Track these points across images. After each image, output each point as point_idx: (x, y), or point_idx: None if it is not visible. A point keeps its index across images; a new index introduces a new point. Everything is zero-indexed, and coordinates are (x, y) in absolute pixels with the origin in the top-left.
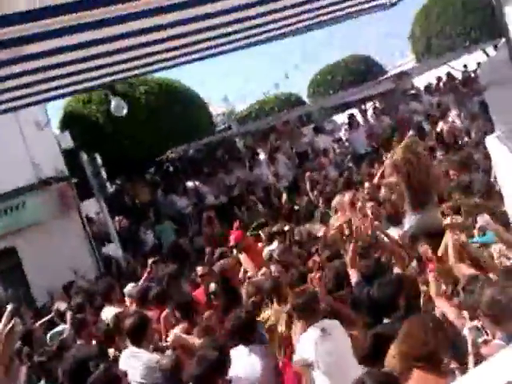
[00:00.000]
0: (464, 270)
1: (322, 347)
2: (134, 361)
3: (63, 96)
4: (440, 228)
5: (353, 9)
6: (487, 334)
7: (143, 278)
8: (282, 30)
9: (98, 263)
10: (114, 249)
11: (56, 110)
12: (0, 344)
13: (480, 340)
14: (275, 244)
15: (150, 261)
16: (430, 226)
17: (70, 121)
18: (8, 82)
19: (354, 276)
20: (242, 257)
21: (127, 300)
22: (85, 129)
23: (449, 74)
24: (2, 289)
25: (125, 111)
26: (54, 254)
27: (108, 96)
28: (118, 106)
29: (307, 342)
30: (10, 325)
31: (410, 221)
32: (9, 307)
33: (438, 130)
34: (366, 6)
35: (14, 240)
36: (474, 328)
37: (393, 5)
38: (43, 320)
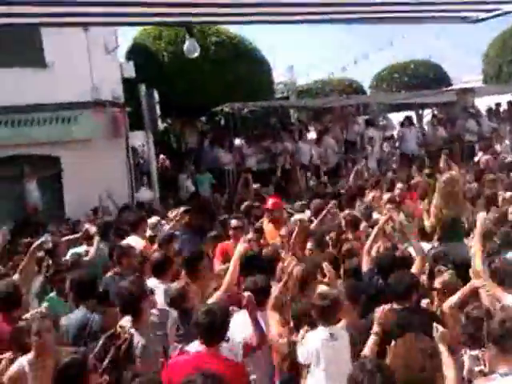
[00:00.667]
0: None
1: (325, 350)
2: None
3: (140, 24)
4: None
5: (441, 14)
6: (485, 366)
7: (171, 224)
8: (366, 15)
9: (132, 194)
10: (146, 194)
11: (126, 39)
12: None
13: (477, 369)
14: (307, 213)
15: (181, 209)
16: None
17: (136, 52)
18: None
19: (366, 264)
20: (269, 228)
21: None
22: (149, 63)
23: (510, 103)
24: (39, 194)
25: (196, 54)
26: (93, 174)
27: (178, 37)
28: (191, 48)
29: (313, 341)
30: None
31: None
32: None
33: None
34: (454, 14)
35: (60, 150)
36: (473, 357)
37: (478, 21)
38: (69, 237)
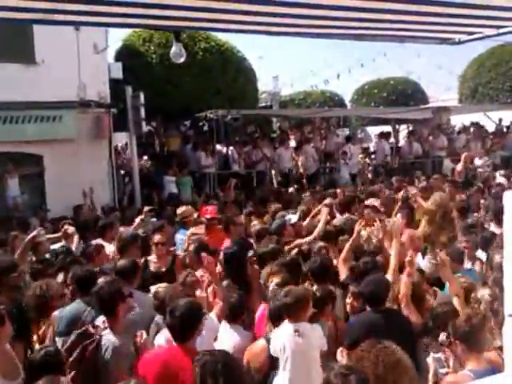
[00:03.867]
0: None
1: (290, 345)
2: None
3: (129, 26)
4: None
5: (423, 34)
6: (449, 367)
7: (135, 224)
8: (350, 31)
9: (113, 193)
10: None
11: (115, 40)
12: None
13: (442, 371)
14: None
15: (146, 209)
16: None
17: (125, 54)
18: None
19: (342, 272)
20: None
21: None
22: (137, 65)
23: (477, 123)
24: (20, 192)
25: (182, 59)
26: (76, 173)
27: (169, 41)
28: (178, 53)
29: (280, 336)
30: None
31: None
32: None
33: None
34: (436, 35)
35: (44, 149)
36: (437, 359)
37: (460, 43)
38: (51, 236)
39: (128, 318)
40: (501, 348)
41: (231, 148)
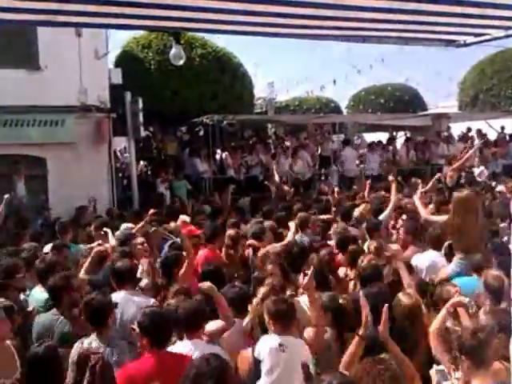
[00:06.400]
0: None
1: (272, 358)
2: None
3: (128, 28)
4: None
5: (427, 35)
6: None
7: (137, 227)
8: (352, 33)
9: (112, 195)
10: None
11: (115, 46)
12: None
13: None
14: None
15: (151, 211)
16: None
17: (125, 59)
18: None
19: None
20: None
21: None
22: (136, 71)
23: (479, 131)
24: (25, 192)
25: (182, 62)
26: (77, 176)
27: (167, 47)
28: (177, 55)
29: (264, 346)
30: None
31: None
32: None
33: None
34: (442, 37)
35: (47, 151)
36: (440, 371)
37: (466, 45)
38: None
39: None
40: (504, 358)
41: (225, 153)
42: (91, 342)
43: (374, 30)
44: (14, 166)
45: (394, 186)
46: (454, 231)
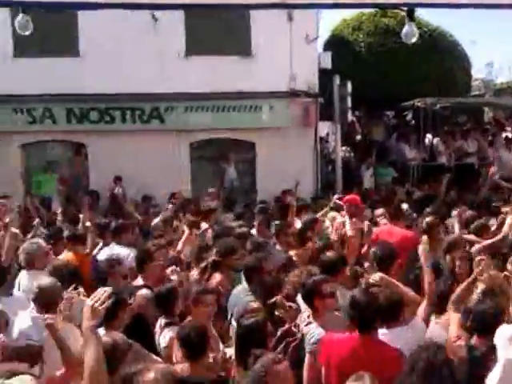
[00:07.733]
0: None
1: None
2: None
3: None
4: None
5: None
6: None
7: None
8: None
9: (316, 181)
10: None
11: (325, 30)
12: None
13: None
14: None
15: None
16: None
17: (334, 43)
18: None
19: None
20: None
21: None
22: (345, 54)
23: None
24: (236, 175)
25: (414, 39)
26: (283, 159)
27: (377, 29)
28: (410, 32)
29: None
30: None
31: None
32: None
33: None
34: None
35: (256, 136)
36: None
37: None
38: None
39: None
40: None
41: (437, 139)
42: None
43: None
44: (223, 154)
45: None
46: None
